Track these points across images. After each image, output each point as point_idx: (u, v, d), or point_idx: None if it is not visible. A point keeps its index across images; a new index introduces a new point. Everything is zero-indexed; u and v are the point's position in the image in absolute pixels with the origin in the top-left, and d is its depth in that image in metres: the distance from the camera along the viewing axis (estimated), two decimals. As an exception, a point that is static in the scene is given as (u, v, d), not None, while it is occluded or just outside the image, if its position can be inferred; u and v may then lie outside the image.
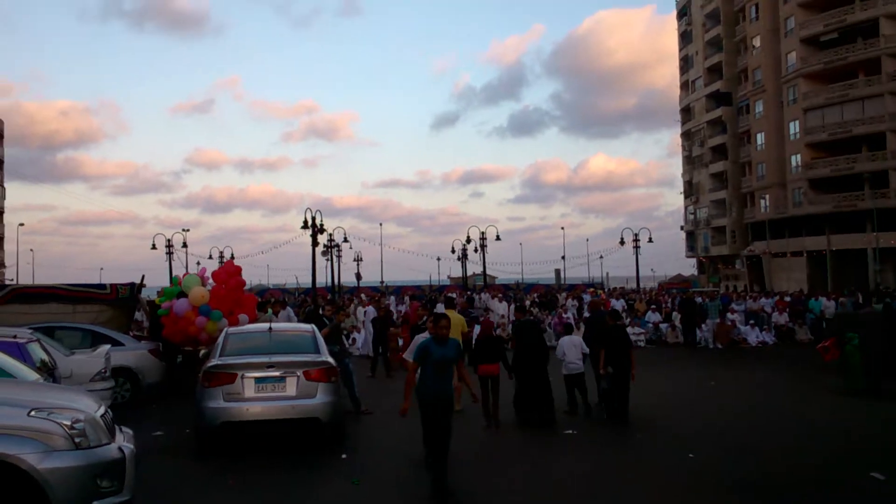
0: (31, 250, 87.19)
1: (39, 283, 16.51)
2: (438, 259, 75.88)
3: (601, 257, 76.39)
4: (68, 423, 5.25)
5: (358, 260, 68.44)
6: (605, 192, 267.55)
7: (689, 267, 78.28)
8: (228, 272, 14.34)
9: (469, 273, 65.12)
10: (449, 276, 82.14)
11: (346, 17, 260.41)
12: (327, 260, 53.87)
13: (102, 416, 5.77)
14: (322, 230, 39.89)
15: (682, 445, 9.64)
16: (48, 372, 9.92)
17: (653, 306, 30.10)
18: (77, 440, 5.21)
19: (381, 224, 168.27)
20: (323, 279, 56.60)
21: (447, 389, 7.70)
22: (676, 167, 78.54)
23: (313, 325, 11.17)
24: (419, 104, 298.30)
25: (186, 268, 66.73)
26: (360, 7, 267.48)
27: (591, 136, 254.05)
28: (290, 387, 9.30)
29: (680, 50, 76.88)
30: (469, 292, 36.65)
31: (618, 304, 29.89)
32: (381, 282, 70.90)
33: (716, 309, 26.30)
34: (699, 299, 28.80)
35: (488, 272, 77.72)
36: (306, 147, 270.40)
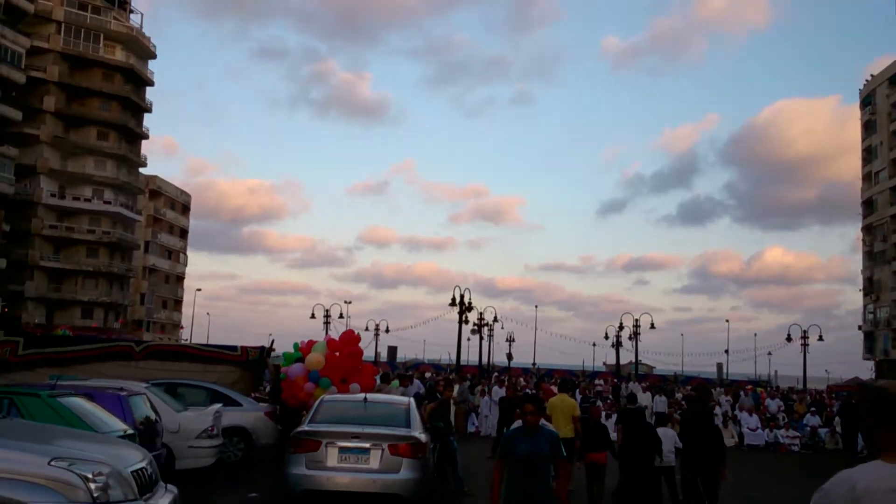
0: (208, 314, 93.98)
1: (174, 343, 17.25)
2: (594, 345, 73.77)
3: (769, 354, 71.23)
4: (89, 475, 5.09)
5: (510, 340, 67.83)
6: (779, 287, 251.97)
7: (866, 370, 71.30)
8: (345, 340, 14.33)
9: (624, 361, 62.72)
10: (604, 363, 79.48)
11: (519, 106, 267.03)
12: (480, 338, 53.53)
13: (139, 470, 5.58)
14: (470, 308, 39.91)
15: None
16: (149, 426, 10.10)
17: (812, 408, 27.30)
18: (96, 494, 5.03)
19: (536, 306, 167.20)
20: (475, 357, 56.55)
21: (537, 491, 6.26)
22: (859, 263, 72.39)
23: (411, 399, 10.77)
24: (586, 191, 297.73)
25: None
26: (532, 97, 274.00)
27: (767, 227, 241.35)
28: (374, 460, 8.89)
29: (863, 140, 72.23)
30: (615, 380, 35.02)
31: (773, 405, 27.41)
32: (533, 364, 69.88)
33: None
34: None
35: (646, 362, 74.90)
36: (472, 229, 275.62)
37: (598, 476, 10.76)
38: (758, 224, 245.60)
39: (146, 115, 71.45)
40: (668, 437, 11.79)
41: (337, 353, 13.90)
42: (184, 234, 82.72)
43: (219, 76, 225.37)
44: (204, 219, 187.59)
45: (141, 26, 71.11)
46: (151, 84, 71.37)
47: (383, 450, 8.89)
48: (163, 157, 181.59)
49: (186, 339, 66.33)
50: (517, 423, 7.65)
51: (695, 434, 10.67)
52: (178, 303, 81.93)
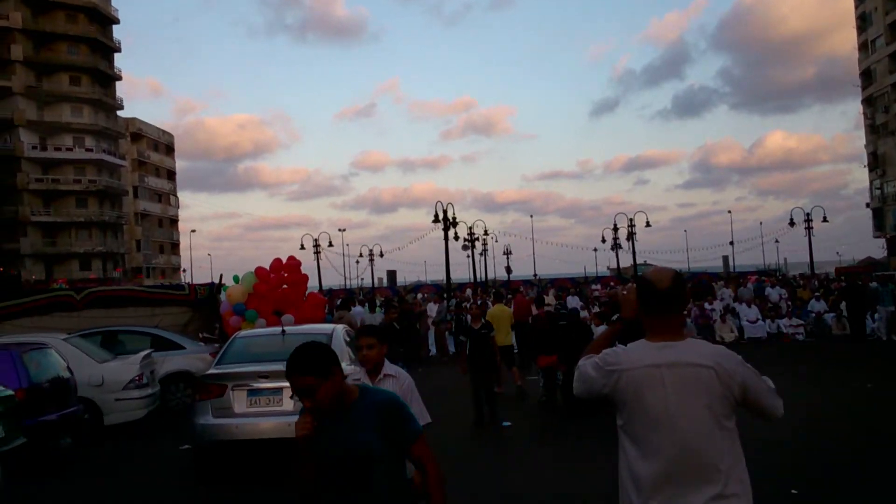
0: (209, 255, 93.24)
1: (119, 287, 16.38)
2: (595, 250, 72.85)
3: (776, 241, 70.07)
4: None
5: (507, 254, 66.98)
6: (784, 172, 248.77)
7: (878, 249, 70.00)
8: (276, 268, 13.31)
9: (628, 263, 61.89)
10: (608, 268, 78.77)
11: (497, 10, 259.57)
12: (471, 254, 52.69)
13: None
14: (455, 223, 38.78)
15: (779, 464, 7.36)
16: (57, 382, 9.28)
17: (817, 294, 26.34)
18: None
19: (531, 216, 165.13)
20: (474, 274, 55.80)
21: None
22: (863, 139, 69.86)
23: (336, 326, 9.79)
24: (576, 93, 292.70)
25: (346, 268, 68.83)
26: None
27: (766, 112, 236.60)
28: (288, 401, 7.96)
29: (856, 7, 68.74)
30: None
31: (773, 293, 26.48)
32: (535, 275, 69.14)
33: (890, 295, 22.36)
34: (874, 284, 24.77)
35: (650, 261, 74.00)
36: (465, 144, 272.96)
37: (551, 379, 11.64)
38: (756, 109, 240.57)
39: (118, 56, 69.34)
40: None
41: (266, 283, 12.88)
42: (171, 175, 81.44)
43: (192, 9, 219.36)
44: (198, 159, 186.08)
45: (100, -38, 68.14)
46: (117, 22, 68.97)
47: None
48: (151, 101, 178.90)
49: (187, 283, 65.88)
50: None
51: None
52: (176, 246, 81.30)
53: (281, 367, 8.05)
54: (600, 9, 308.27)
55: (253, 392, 7.98)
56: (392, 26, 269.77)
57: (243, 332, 9.90)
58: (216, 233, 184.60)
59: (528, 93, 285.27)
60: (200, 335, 15.26)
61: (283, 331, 9.15)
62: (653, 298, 2.94)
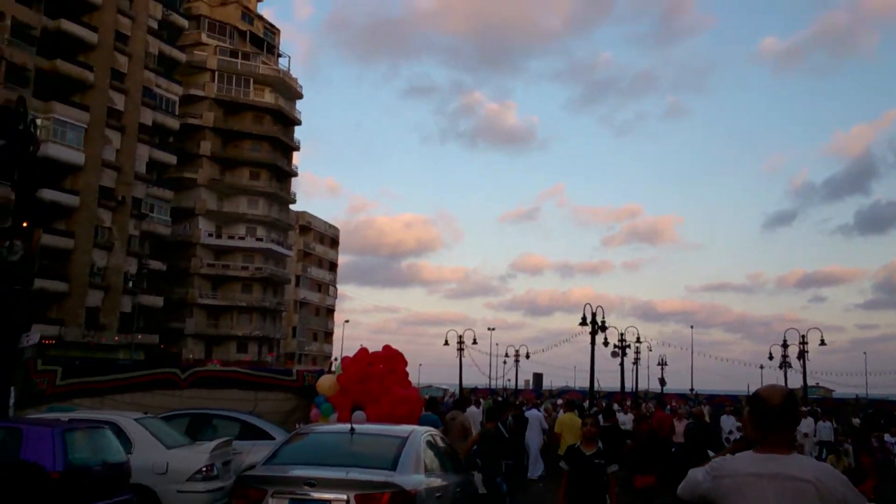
0: (362, 346, 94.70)
1: (223, 368, 15.84)
2: (761, 367, 66.88)
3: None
4: None
5: (662, 364, 62.87)
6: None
7: None
8: (360, 359, 12.06)
9: (798, 384, 56.19)
10: (776, 388, 72.01)
11: (671, 120, 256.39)
12: (622, 361, 49.57)
13: None
14: (605, 328, 36.74)
15: None
16: (108, 467, 8.45)
17: None
18: None
19: (692, 327, 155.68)
20: (623, 383, 52.53)
21: None
22: None
23: (417, 429, 8.35)
24: (750, 204, 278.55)
25: (491, 368, 67.62)
26: (685, 109, 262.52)
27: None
28: (338, 516, 6.60)
29: None
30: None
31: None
32: (691, 389, 64.42)
33: None
34: None
35: (824, 384, 67.14)
36: (628, 251, 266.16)
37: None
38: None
39: (300, 156, 73.84)
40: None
41: (350, 374, 11.60)
42: (333, 267, 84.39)
43: (374, 116, 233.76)
44: (366, 254, 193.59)
45: (288, 69, 73.87)
46: (299, 123, 73.69)
47: (348, 502, 6.58)
48: (328, 198, 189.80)
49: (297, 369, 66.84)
50: None
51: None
52: (329, 335, 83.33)
53: (337, 473, 6.79)
54: (781, 120, 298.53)
55: (295, 502, 6.68)
56: (561, 134, 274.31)
57: (305, 428, 8.71)
58: (374, 325, 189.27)
59: (698, 202, 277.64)
60: (300, 426, 14.30)
61: (352, 429, 7.86)
62: (763, 414, 3.17)
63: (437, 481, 7.62)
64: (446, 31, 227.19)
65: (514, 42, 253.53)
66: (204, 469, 9.87)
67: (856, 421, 28.44)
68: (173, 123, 59.46)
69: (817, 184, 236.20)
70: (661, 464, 10.43)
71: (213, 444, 10.27)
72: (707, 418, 28.17)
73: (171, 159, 59.31)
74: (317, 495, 6.64)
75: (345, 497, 6.55)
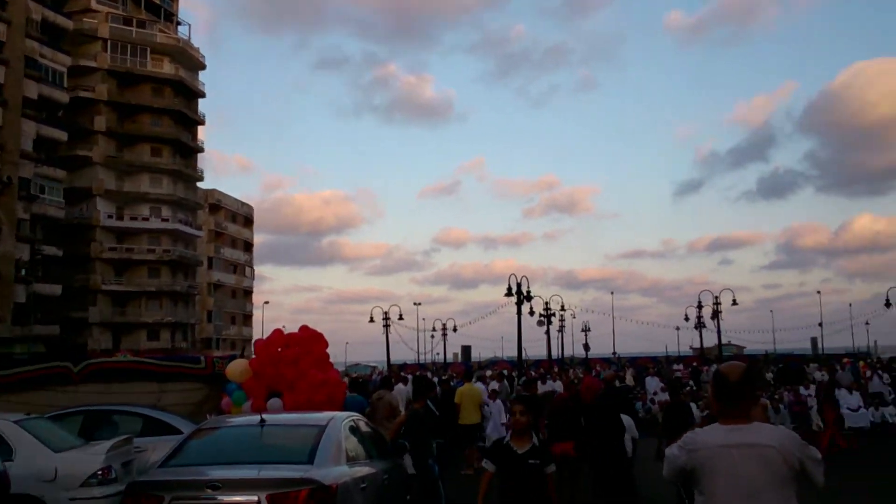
0: (284, 327, 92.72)
1: (122, 359, 14.46)
2: (677, 329, 68.74)
3: (867, 323, 65.24)
4: None
5: (586, 331, 63.67)
6: (872, 255, 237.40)
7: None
8: (273, 342, 11.04)
9: (712, 343, 57.91)
10: (690, 347, 74.37)
11: (584, 92, 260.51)
12: (547, 329, 49.83)
13: None
14: (530, 297, 36.50)
15: None
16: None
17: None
18: None
19: (612, 293, 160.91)
20: (549, 351, 52.91)
21: None
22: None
23: (337, 415, 7.44)
24: (661, 173, 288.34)
25: (419, 343, 67.23)
26: (597, 82, 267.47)
27: (853, 195, 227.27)
28: (247, 522, 5.64)
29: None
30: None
31: (875, 384, 23.00)
32: (614, 353, 65.73)
33: None
34: None
35: (735, 342, 69.56)
36: (548, 222, 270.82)
37: (569, 471, 9.55)
38: (843, 192, 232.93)
39: (207, 131, 70.82)
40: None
41: (262, 359, 10.56)
42: (248, 247, 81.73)
43: (284, 89, 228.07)
44: (283, 233, 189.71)
45: (188, 38, 70.34)
46: (202, 96, 70.45)
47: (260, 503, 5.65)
48: (240, 177, 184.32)
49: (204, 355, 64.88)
50: None
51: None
52: (249, 318, 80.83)
53: (246, 472, 5.84)
54: (687, 92, 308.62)
55: (198, 509, 5.69)
56: (478, 107, 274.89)
57: (210, 423, 7.64)
58: (296, 306, 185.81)
59: (612, 173, 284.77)
60: (211, 417, 13.17)
61: (262, 420, 6.87)
62: (725, 389, 3.51)
63: (361, 471, 6.78)
64: (357, 1, 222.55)
65: (428, 14, 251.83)
66: (100, 472, 8.64)
67: (769, 376, 29.23)
68: (62, 97, 55.47)
69: (722, 153, 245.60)
70: (579, 431, 10.09)
71: (110, 443, 9.05)
72: (632, 381, 28.41)
73: (62, 136, 55.42)
74: (223, 499, 5.68)
75: (255, 498, 5.60)
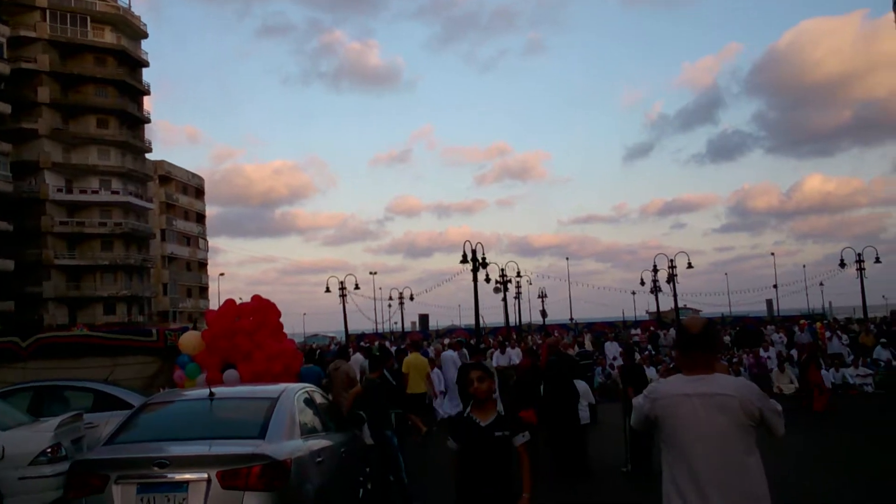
0: (240, 298, 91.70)
1: (73, 333, 14.13)
2: (633, 293, 69.69)
3: (821, 284, 66.65)
4: None
5: (542, 297, 64.21)
6: (822, 215, 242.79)
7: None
8: (226, 313, 10.90)
9: (668, 307, 58.82)
10: (647, 311, 75.53)
11: (531, 56, 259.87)
12: (504, 297, 50.07)
13: None
14: (486, 264, 36.53)
15: None
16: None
17: (882, 340, 23.42)
18: None
19: (567, 258, 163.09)
20: (507, 317, 53.24)
21: None
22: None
23: (290, 387, 7.32)
24: (611, 138, 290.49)
25: (377, 312, 67.03)
26: (545, 45, 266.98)
27: (802, 155, 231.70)
28: (195, 499, 5.54)
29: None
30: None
31: (834, 345, 23.49)
32: (571, 319, 66.38)
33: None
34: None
35: (691, 305, 70.67)
36: (500, 188, 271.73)
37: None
38: (792, 153, 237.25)
39: (152, 102, 69.06)
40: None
41: (214, 330, 10.42)
42: (200, 218, 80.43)
43: (228, 57, 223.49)
44: (235, 205, 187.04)
45: (129, 5, 68.18)
46: (146, 65, 68.70)
47: (209, 481, 5.51)
48: (188, 147, 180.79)
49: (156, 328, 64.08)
50: None
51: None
52: (205, 290, 79.83)
53: (194, 448, 5.70)
54: (634, 54, 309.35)
55: (145, 488, 5.55)
56: (426, 74, 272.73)
57: (157, 398, 7.46)
58: (252, 277, 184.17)
59: (563, 138, 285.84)
60: (163, 391, 12.95)
61: (212, 393, 6.72)
62: (687, 340, 3.65)
63: (317, 444, 6.68)
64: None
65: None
66: (49, 450, 8.45)
67: (727, 339, 29.62)
68: (3, 68, 53.83)
69: (671, 115, 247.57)
70: (538, 398, 10.21)
71: (59, 419, 8.85)
72: (590, 346, 28.69)
73: (6, 108, 53.97)
74: (171, 476, 5.54)
75: (205, 475, 5.45)
